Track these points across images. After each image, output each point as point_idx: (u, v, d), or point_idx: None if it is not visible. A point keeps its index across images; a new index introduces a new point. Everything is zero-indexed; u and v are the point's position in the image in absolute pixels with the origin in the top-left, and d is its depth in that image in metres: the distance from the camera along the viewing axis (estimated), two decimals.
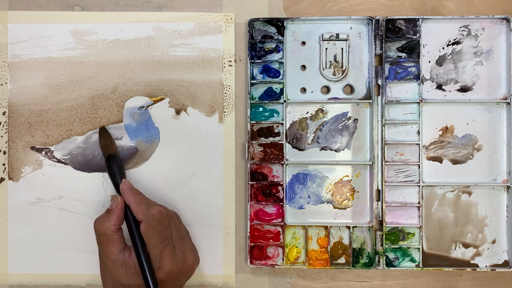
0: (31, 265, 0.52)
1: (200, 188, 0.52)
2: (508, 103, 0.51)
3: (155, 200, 0.49)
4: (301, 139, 0.52)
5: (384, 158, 0.51)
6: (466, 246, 0.51)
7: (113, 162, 0.49)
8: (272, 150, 0.51)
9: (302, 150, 0.52)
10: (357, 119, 0.52)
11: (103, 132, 0.51)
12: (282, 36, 0.51)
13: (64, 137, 0.52)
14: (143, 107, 0.52)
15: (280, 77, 0.51)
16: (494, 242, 0.51)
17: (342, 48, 0.51)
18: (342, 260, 0.51)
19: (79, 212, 0.52)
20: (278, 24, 0.51)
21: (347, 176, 0.52)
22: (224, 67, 0.52)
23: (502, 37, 0.51)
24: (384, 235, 0.50)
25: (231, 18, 0.52)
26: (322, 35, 0.51)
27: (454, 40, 0.51)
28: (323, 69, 0.51)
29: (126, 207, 0.46)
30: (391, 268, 0.51)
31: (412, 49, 0.51)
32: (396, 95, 0.51)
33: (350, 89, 0.52)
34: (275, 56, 0.51)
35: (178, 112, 0.52)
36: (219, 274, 0.52)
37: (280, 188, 0.51)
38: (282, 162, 0.51)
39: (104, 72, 0.52)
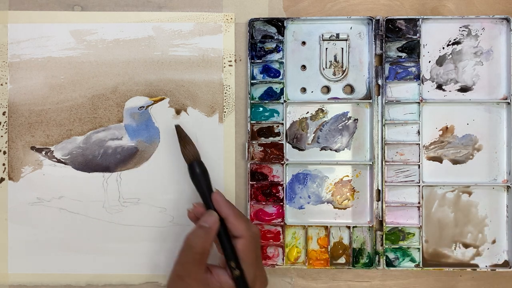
0: (31, 265, 0.52)
1: None
2: (508, 103, 0.51)
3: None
4: (301, 139, 0.52)
5: (384, 158, 0.51)
6: (466, 246, 0.51)
7: (198, 169, 0.45)
8: (272, 150, 0.51)
9: (302, 150, 0.52)
10: (357, 119, 0.52)
11: (181, 133, 0.47)
12: (282, 36, 0.51)
13: (64, 137, 0.52)
14: (143, 107, 0.52)
15: (280, 77, 0.51)
16: (494, 242, 0.51)
17: (342, 48, 0.51)
18: (342, 260, 0.51)
19: (79, 212, 0.52)
20: (278, 24, 0.51)
21: (347, 176, 0.52)
22: (224, 67, 0.52)
23: (502, 37, 0.51)
24: (384, 235, 0.50)
25: (231, 18, 0.52)
26: (322, 35, 0.51)
27: (454, 40, 0.51)
28: (323, 69, 0.51)
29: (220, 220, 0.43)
30: (391, 268, 0.51)
31: (412, 49, 0.51)
32: (396, 95, 0.51)
33: (350, 89, 0.52)
34: (275, 56, 0.51)
35: (178, 112, 0.52)
36: None
37: (280, 188, 0.51)
38: (282, 162, 0.51)
39: (104, 72, 0.52)
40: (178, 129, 0.47)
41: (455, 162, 0.52)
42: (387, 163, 0.51)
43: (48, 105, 0.52)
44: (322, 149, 0.52)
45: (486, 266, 0.51)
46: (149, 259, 0.52)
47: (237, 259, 0.42)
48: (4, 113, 0.52)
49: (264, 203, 0.51)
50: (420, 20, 0.50)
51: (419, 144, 0.51)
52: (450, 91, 0.52)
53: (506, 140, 0.51)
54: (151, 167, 0.52)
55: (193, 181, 0.45)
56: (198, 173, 0.45)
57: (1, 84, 0.52)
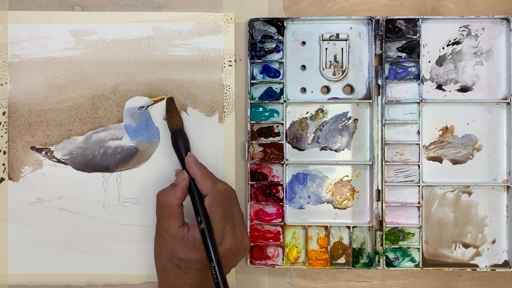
0: (31, 265, 0.52)
1: None
2: (508, 103, 0.51)
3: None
4: (301, 139, 0.52)
5: (384, 158, 0.51)
6: (466, 246, 0.51)
7: (179, 136, 0.48)
8: (272, 150, 0.51)
9: (302, 150, 0.52)
10: (357, 119, 0.52)
11: (171, 105, 0.50)
12: (282, 36, 0.51)
13: (64, 137, 0.52)
14: (143, 107, 0.52)
15: (280, 77, 0.51)
16: (494, 242, 0.51)
17: (342, 48, 0.51)
18: (342, 260, 0.51)
19: (79, 212, 0.52)
20: (278, 24, 0.51)
21: (347, 176, 0.52)
22: (224, 67, 0.52)
23: (502, 37, 0.51)
24: (384, 235, 0.50)
25: (231, 18, 0.52)
26: (322, 35, 0.51)
27: (454, 40, 0.51)
28: (323, 69, 0.52)
29: (191, 180, 0.46)
30: (391, 268, 0.51)
31: (412, 49, 0.51)
32: (396, 95, 0.51)
33: (350, 89, 0.52)
34: (275, 56, 0.51)
35: None
36: None
37: (280, 188, 0.51)
38: (282, 162, 0.51)
39: (104, 72, 0.52)
40: (169, 100, 0.50)
41: (455, 162, 0.52)
42: (387, 163, 0.51)
43: (48, 105, 0.52)
44: (322, 149, 0.52)
45: (486, 266, 0.51)
46: (149, 259, 0.52)
47: (205, 215, 0.45)
48: (4, 113, 0.52)
49: (264, 203, 0.51)
50: (420, 20, 0.50)
51: (419, 144, 0.51)
52: (450, 91, 0.52)
53: (506, 140, 0.51)
54: (151, 167, 0.52)
55: (173, 147, 0.48)
56: (179, 141, 0.48)
57: (1, 84, 0.52)
